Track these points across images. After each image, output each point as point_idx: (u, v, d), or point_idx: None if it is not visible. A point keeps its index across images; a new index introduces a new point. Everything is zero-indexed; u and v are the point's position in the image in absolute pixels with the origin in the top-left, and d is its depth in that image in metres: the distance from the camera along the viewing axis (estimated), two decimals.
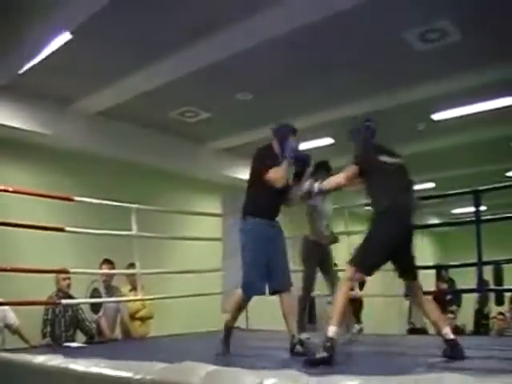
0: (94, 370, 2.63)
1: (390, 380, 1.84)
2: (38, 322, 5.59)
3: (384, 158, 3.95)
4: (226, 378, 1.73)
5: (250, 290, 4.19)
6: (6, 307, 5.37)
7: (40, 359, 3.09)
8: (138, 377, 2.31)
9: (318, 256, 5.40)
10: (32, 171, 7.51)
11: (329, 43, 5.64)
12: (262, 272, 4.14)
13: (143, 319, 6.78)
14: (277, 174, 4.14)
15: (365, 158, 4.05)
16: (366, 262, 3.69)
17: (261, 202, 4.25)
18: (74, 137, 7.64)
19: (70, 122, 7.48)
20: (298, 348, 4.08)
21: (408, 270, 3.91)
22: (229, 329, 4.35)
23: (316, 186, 4.26)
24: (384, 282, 11.90)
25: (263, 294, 4.24)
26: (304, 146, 8.83)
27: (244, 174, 10.05)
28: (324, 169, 5.31)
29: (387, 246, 3.69)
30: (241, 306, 4.38)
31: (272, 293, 4.23)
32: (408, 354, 4.42)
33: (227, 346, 4.26)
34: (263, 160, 4.26)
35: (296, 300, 4.66)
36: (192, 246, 8.19)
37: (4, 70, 5.79)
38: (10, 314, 5.42)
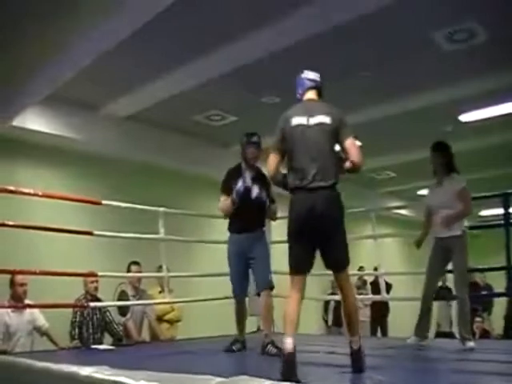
0: None
1: None
2: (66, 324, 5.65)
3: None
4: None
5: (234, 293, 4.81)
6: (36, 310, 5.44)
7: (87, 371, 3.02)
8: None
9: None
10: (61, 175, 7.64)
11: (355, 45, 5.60)
12: (236, 279, 4.75)
13: (171, 322, 6.82)
14: (221, 206, 4.74)
15: None
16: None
17: (232, 218, 4.79)
18: (103, 141, 7.74)
19: (99, 126, 7.57)
20: (270, 348, 4.27)
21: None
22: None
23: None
24: (412, 285, 11.85)
25: (244, 296, 4.86)
26: None
27: None
28: None
29: None
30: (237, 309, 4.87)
31: (257, 294, 4.66)
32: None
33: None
34: (223, 183, 4.81)
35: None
36: (219, 249, 8.17)
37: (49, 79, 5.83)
38: (40, 317, 5.49)
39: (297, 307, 3.14)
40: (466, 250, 4.81)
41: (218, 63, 5.89)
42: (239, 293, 4.78)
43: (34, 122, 6.88)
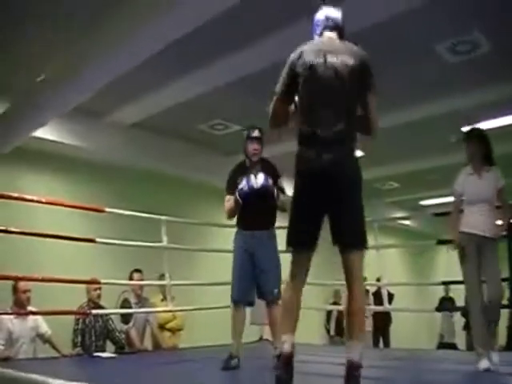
0: None
1: None
2: (68, 331, 5.65)
3: None
4: None
5: (232, 299, 4.28)
6: (39, 317, 5.44)
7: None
8: None
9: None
10: (65, 182, 7.68)
11: None
12: (237, 280, 4.24)
13: (173, 330, 6.82)
14: (225, 206, 4.35)
15: None
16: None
17: (239, 214, 4.34)
18: (108, 149, 7.77)
19: (104, 134, 7.60)
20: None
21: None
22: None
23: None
24: (414, 295, 11.84)
25: (246, 303, 4.30)
26: None
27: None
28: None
29: None
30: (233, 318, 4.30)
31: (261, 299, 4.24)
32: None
33: None
34: (227, 182, 4.49)
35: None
36: (222, 257, 8.18)
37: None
38: (42, 324, 5.49)
39: (296, 295, 2.66)
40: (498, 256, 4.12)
41: (223, 72, 5.92)
42: (237, 299, 4.21)
43: (39, 130, 6.87)
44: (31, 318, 5.35)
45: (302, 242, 2.69)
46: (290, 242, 2.70)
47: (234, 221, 4.43)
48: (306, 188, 2.65)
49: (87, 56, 5.13)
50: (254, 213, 4.20)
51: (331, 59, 2.68)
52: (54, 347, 5.49)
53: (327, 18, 2.94)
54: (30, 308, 5.32)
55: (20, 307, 5.26)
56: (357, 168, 2.71)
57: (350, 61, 2.69)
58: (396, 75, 6.12)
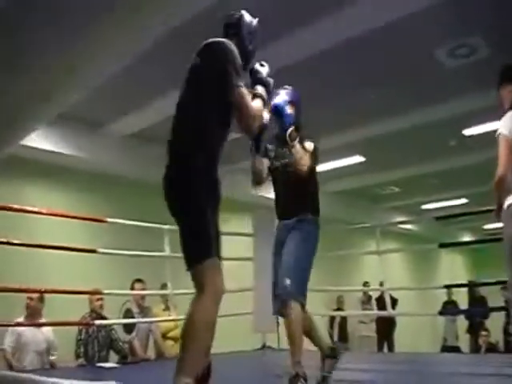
0: None
1: None
2: (71, 342, 5.64)
3: None
4: None
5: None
6: (51, 332, 5.51)
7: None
8: None
9: None
10: (65, 193, 7.68)
11: (358, 61, 5.64)
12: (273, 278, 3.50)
13: (176, 339, 6.79)
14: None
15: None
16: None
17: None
18: (108, 159, 7.77)
19: (104, 144, 7.61)
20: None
21: None
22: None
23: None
24: (417, 300, 11.83)
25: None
26: (335, 164, 8.83)
27: (273, 192, 10.09)
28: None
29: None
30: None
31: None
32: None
33: None
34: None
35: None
36: (224, 265, 8.20)
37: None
38: (54, 341, 5.53)
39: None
40: None
41: None
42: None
43: (38, 140, 6.91)
44: (44, 329, 5.42)
45: None
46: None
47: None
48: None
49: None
50: (283, 198, 3.67)
51: None
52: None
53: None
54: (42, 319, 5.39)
55: (31, 315, 5.34)
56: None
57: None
58: (396, 81, 6.15)
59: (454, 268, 15.77)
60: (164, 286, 6.25)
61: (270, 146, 3.65)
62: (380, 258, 6.27)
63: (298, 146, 3.36)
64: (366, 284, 10.15)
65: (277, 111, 3.34)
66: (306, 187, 3.50)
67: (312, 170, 3.46)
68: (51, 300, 5.42)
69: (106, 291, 5.54)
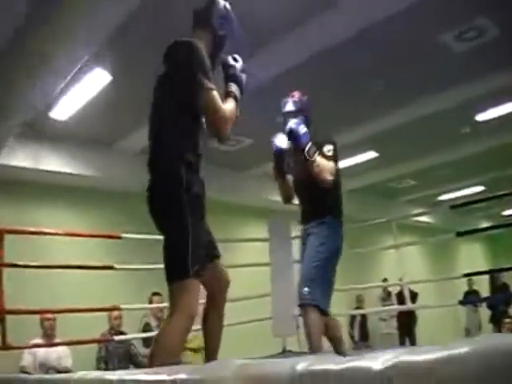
0: None
1: None
2: (90, 361, 5.64)
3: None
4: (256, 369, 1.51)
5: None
6: (66, 350, 5.49)
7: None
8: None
9: None
10: (77, 212, 7.70)
11: (365, 53, 5.50)
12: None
13: (195, 350, 6.70)
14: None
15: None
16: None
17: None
18: (120, 176, 7.73)
19: (114, 162, 7.57)
20: None
21: None
22: None
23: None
24: (438, 293, 11.65)
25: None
26: (348, 162, 8.67)
27: None
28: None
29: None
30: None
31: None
32: None
33: None
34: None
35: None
36: (241, 272, 8.17)
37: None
38: (68, 358, 5.51)
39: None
40: None
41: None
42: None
43: (46, 162, 6.94)
44: (60, 348, 5.41)
45: None
46: None
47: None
48: None
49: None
50: (299, 196, 3.70)
51: None
52: None
53: None
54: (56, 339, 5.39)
55: (46, 336, 5.37)
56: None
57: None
58: (404, 70, 6.01)
59: (473, 258, 15.54)
60: None
61: (291, 161, 3.67)
62: (398, 252, 6.16)
63: (318, 158, 3.34)
64: (385, 280, 9.99)
65: (291, 136, 3.38)
66: (325, 189, 3.42)
67: (335, 172, 3.45)
68: (69, 320, 5.35)
69: (123, 306, 5.46)
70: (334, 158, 3.45)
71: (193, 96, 2.28)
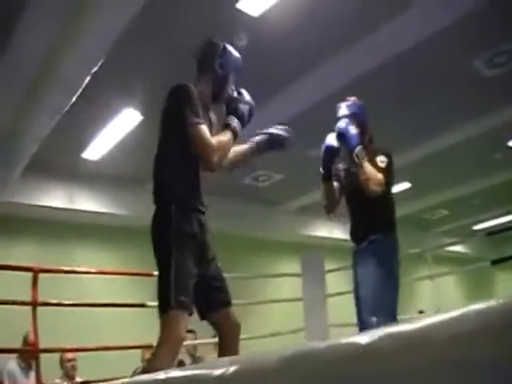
0: None
1: None
2: None
3: None
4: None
5: None
6: None
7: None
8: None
9: None
10: (111, 250, 7.79)
11: (395, 81, 5.52)
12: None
13: None
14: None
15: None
16: None
17: None
18: (150, 214, 7.79)
19: (146, 200, 7.62)
20: None
21: None
22: None
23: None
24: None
25: None
26: None
27: (320, 231, 9.96)
28: None
29: None
30: None
31: None
32: None
33: None
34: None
35: None
36: (274, 307, 8.10)
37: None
38: None
39: None
40: None
41: (260, 122, 5.84)
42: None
43: (79, 202, 7.08)
44: None
45: None
46: None
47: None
48: None
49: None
50: (350, 213, 3.44)
51: None
52: None
53: None
54: (78, 379, 5.26)
55: (67, 377, 5.23)
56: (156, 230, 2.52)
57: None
58: (434, 98, 5.97)
59: (511, 287, 15.18)
60: (216, 335, 6.10)
61: (340, 166, 3.51)
62: (433, 282, 6.04)
63: (366, 164, 3.11)
64: (421, 312, 9.80)
65: (340, 136, 3.22)
66: (376, 206, 3.16)
67: (387, 186, 3.17)
68: (103, 357, 5.32)
69: None
70: (386, 171, 3.17)
71: (182, 133, 2.36)
